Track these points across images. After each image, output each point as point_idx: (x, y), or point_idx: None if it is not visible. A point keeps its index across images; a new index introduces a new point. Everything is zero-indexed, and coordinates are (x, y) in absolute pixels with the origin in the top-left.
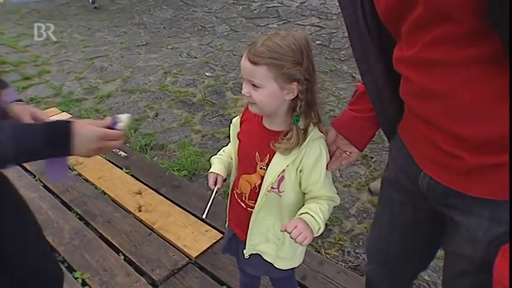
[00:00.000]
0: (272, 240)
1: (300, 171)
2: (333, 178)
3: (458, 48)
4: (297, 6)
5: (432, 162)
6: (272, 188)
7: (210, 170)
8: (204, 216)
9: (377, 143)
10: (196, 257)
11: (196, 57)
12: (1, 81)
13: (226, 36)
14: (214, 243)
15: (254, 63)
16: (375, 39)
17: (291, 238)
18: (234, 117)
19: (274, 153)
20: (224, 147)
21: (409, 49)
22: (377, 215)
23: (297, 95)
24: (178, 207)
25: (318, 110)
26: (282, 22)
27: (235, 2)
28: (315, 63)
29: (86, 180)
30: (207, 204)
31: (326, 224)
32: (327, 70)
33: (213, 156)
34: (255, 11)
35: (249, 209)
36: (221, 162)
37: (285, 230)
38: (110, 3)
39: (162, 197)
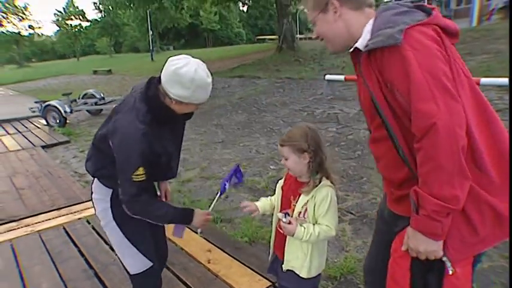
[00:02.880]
0: (300, 256)
1: (315, 205)
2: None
3: (378, 132)
4: (355, 113)
5: (387, 197)
6: (299, 216)
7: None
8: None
9: None
10: None
11: (263, 154)
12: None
13: None
14: None
15: (282, 146)
16: None
17: (282, 223)
18: None
19: (300, 195)
20: (270, 196)
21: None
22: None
23: (309, 159)
24: (238, 262)
25: (328, 169)
26: (341, 126)
27: (301, 109)
28: (364, 160)
29: (169, 239)
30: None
31: None
32: (373, 167)
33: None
34: (318, 117)
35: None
36: (262, 201)
37: (280, 220)
38: None
39: (227, 255)
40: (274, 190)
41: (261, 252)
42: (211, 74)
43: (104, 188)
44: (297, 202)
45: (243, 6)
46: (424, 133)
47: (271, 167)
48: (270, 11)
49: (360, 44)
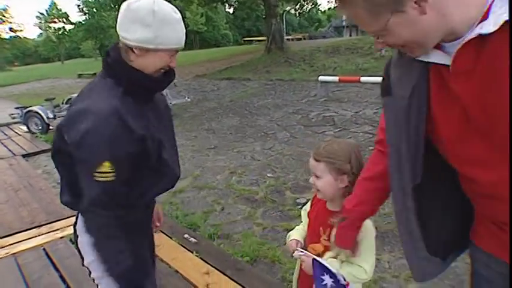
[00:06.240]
0: None
1: None
2: (382, 269)
3: None
4: (351, 115)
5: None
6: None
7: (291, 238)
8: None
9: None
10: None
11: (259, 160)
12: None
13: (286, 141)
14: None
15: (317, 160)
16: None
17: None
18: (291, 212)
19: (332, 227)
20: (297, 226)
21: None
22: None
23: (347, 184)
24: (240, 287)
25: None
26: (338, 129)
27: (295, 111)
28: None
29: (162, 260)
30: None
31: None
32: None
33: (291, 231)
34: (313, 120)
35: None
36: (298, 232)
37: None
38: (183, 111)
39: (227, 278)
40: (274, 201)
41: (263, 274)
42: (200, 76)
43: None
44: (327, 237)
45: (229, 8)
46: None
47: (269, 175)
48: (256, 13)
49: (493, 23)
